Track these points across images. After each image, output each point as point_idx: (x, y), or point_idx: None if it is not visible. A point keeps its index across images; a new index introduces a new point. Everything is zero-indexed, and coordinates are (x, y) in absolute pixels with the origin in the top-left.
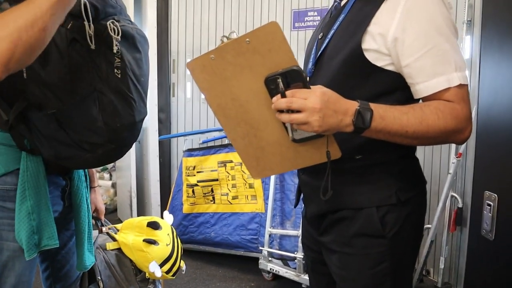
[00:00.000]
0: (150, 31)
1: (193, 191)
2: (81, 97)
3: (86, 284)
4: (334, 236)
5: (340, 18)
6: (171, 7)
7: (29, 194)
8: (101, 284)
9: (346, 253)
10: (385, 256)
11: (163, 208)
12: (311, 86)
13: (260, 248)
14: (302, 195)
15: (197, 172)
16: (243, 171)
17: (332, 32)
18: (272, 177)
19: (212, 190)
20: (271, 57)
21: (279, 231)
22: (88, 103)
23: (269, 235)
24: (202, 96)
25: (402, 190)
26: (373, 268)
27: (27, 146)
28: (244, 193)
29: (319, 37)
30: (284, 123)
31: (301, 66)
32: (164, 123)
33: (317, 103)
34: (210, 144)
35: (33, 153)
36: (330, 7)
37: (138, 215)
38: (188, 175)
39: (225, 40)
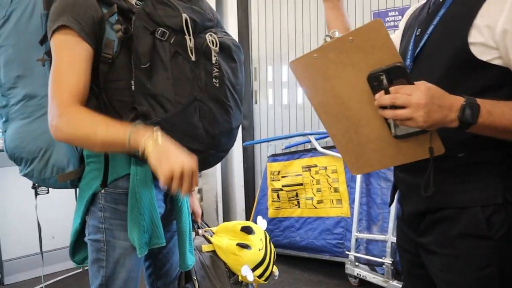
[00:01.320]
0: None
1: (278, 196)
2: (183, 106)
3: (183, 282)
4: (435, 237)
5: (441, 13)
6: (251, 15)
7: (139, 197)
8: (196, 284)
9: (449, 255)
10: (491, 260)
11: (247, 212)
12: (414, 82)
13: (346, 252)
14: (397, 195)
15: (282, 177)
16: (327, 175)
17: (431, 27)
18: (358, 181)
19: (297, 195)
20: (374, 54)
21: (366, 236)
22: (189, 112)
23: (356, 240)
24: (284, 102)
25: (510, 190)
26: (478, 272)
27: (136, 153)
28: (329, 197)
29: (417, 33)
30: (386, 120)
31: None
32: (248, 130)
33: (422, 99)
34: (293, 149)
35: (140, 159)
36: (425, 2)
37: (224, 219)
38: (273, 180)
39: (328, 39)
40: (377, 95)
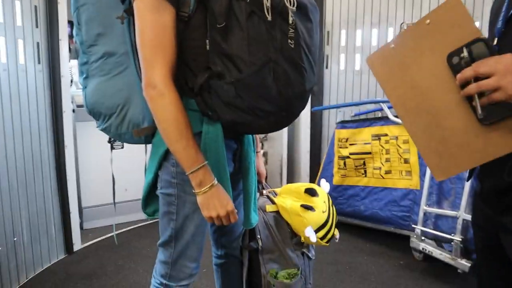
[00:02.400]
0: None
1: (344, 163)
2: (258, 67)
3: (247, 240)
4: None
5: None
6: None
7: (210, 155)
8: (259, 242)
9: None
10: None
11: (312, 178)
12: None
13: (413, 226)
14: (476, 169)
15: (350, 144)
16: (398, 146)
17: None
18: None
19: (364, 163)
20: (454, 33)
21: (435, 210)
22: (263, 73)
23: (424, 214)
24: (357, 68)
25: None
26: None
27: (208, 112)
28: (398, 168)
29: None
30: (471, 105)
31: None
32: (317, 95)
33: (509, 64)
34: (363, 116)
35: (213, 118)
36: None
37: (288, 183)
38: (340, 147)
39: (405, 26)
40: (459, 75)
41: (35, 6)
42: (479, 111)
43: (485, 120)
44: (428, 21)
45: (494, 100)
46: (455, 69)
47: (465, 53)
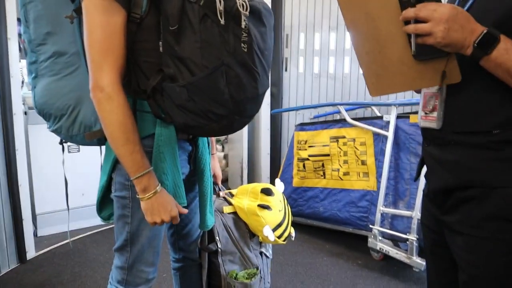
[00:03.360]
0: None
1: (303, 165)
2: (210, 70)
3: (205, 242)
4: (460, 216)
5: None
6: None
7: (163, 156)
8: (218, 244)
9: (475, 236)
10: None
11: (272, 180)
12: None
13: (370, 226)
14: (424, 171)
15: (309, 146)
16: (355, 148)
17: None
18: (387, 155)
19: (323, 165)
20: None
21: (391, 211)
22: (216, 76)
23: (381, 214)
24: (315, 71)
25: None
26: (507, 256)
27: (161, 114)
28: (356, 170)
29: None
30: (409, 40)
31: None
32: (276, 98)
33: (444, 14)
34: (322, 119)
35: (165, 121)
36: None
37: None
38: (299, 149)
39: None
40: (403, 12)
41: None
42: (413, 48)
43: (417, 57)
44: None
45: (426, 42)
46: (403, 5)
47: None
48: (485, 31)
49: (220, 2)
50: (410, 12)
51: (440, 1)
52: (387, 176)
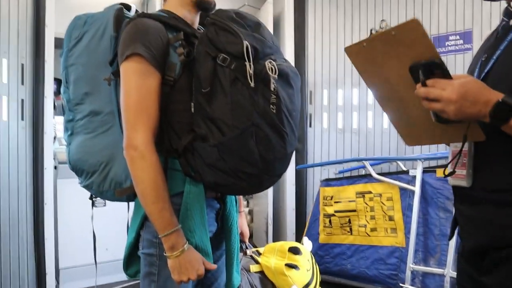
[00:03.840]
0: None
1: (330, 221)
2: (240, 131)
3: None
4: (500, 278)
5: (509, 38)
6: (307, 39)
7: (190, 214)
8: None
9: None
10: None
11: (298, 236)
12: (453, 76)
13: (400, 284)
14: (457, 228)
15: (335, 202)
16: (382, 203)
17: (498, 52)
18: (415, 210)
19: (349, 221)
20: (414, 49)
21: (422, 268)
22: (246, 136)
23: (411, 272)
24: (339, 126)
25: None
26: None
27: (191, 172)
28: (383, 226)
29: (483, 58)
30: None
31: None
32: (301, 153)
33: (453, 94)
34: (347, 174)
35: (195, 179)
36: (495, 29)
37: (273, 241)
38: (325, 205)
39: (374, 32)
40: (417, 86)
41: (22, 64)
42: (432, 116)
43: (437, 122)
44: (393, 32)
45: (442, 116)
46: (415, 79)
47: (421, 71)
48: (500, 100)
49: (250, 66)
50: (420, 92)
51: (449, 75)
52: (415, 232)
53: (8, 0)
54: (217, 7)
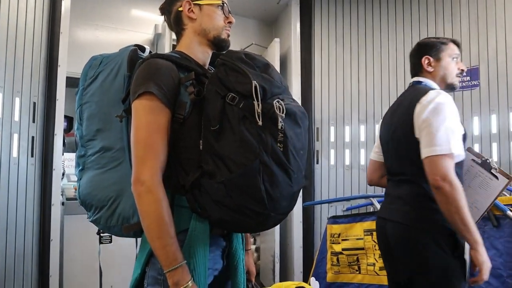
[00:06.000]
0: None
1: (337, 259)
2: (248, 168)
3: None
4: None
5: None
6: (314, 76)
7: (193, 252)
8: None
9: None
10: None
11: (305, 274)
12: None
13: None
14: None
15: (342, 240)
16: None
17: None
18: None
19: (357, 259)
20: None
21: None
22: (253, 174)
23: None
24: (346, 163)
25: None
26: None
27: (198, 209)
28: None
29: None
30: None
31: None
32: (308, 190)
33: None
34: (354, 211)
35: (201, 215)
36: None
37: (281, 280)
38: (332, 243)
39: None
40: None
41: (34, 103)
42: None
43: None
44: None
45: None
46: None
47: None
48: None
49: (258, 105)
50: None
51: None
52: None
53: (23, 42)
54: None
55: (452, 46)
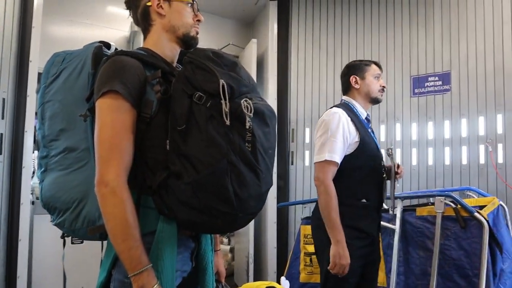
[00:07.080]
0: (270, 102)
1: (310, 260)
2: (215, 169)
3: None
4: None
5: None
6: (290, 78)
7: (160, 254)
8: None
9: None
10: None
11: (279, 274)
12: None
13: None
14: None
15: None
16: None
17: None
18: (395, 249)
19: None
20: None
21: None
22: (220, 174)
23: None
24: None
25: None
26: None
27: (165, 210)
28: None
29: None
30: None
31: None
32: (283, 191)
33: None
34: None
35: (169, 217)
36: None
37: (255, 280)
38: (306, 243)
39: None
40: None
41: (3, 99)
42: None
43: None
44: None
45: None
46: None
47: None
48: None
49: (225, 104)
50: None
51: None
52: (396, 272)
53: None
54: (202, 46)
55: (374, 67)
